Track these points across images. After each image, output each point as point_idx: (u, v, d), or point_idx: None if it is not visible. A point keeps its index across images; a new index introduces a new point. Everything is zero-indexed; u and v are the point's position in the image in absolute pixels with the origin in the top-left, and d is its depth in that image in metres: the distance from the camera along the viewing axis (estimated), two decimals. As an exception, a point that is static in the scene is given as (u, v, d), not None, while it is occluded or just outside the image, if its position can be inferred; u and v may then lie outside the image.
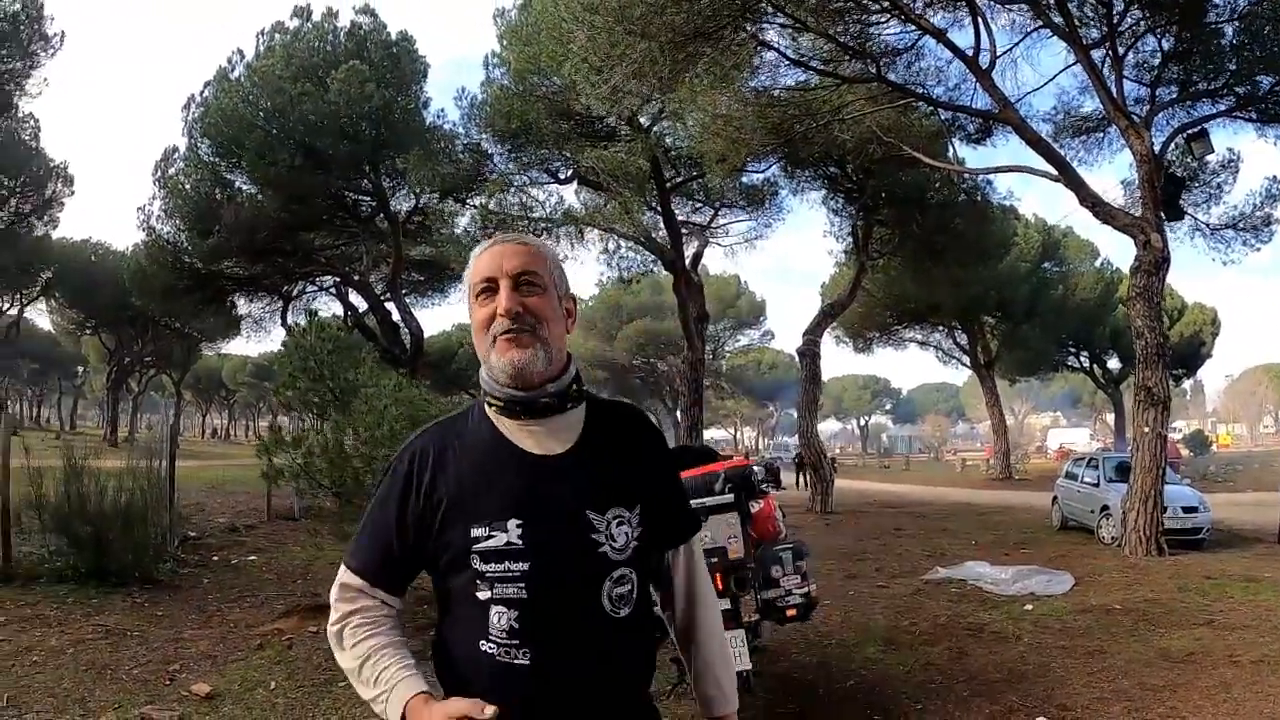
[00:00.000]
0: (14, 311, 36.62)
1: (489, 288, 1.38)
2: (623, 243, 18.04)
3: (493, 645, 1.34)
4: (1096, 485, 12.72)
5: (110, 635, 5.72)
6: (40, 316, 42.98)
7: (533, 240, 1.45)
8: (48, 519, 7.35)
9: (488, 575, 1.33)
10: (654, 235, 17.76)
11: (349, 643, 1.39)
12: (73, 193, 26.05)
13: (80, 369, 59.97)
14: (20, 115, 22.53)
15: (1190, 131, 12.08)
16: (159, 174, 19.05)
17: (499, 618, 1.33)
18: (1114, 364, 34.82)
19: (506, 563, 1.33)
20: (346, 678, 1.45)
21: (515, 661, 1.32)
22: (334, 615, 1.42)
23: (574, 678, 1.34)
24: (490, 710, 1.20)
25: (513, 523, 1.34)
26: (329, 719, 4.34)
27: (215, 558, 9.06)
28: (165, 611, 6.54)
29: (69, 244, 33.66)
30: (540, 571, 1.33)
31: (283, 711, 4.45)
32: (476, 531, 1.34)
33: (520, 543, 1.33)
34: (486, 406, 1.44)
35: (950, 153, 15.94)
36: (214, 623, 6.33)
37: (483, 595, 1.34)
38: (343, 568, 1.44)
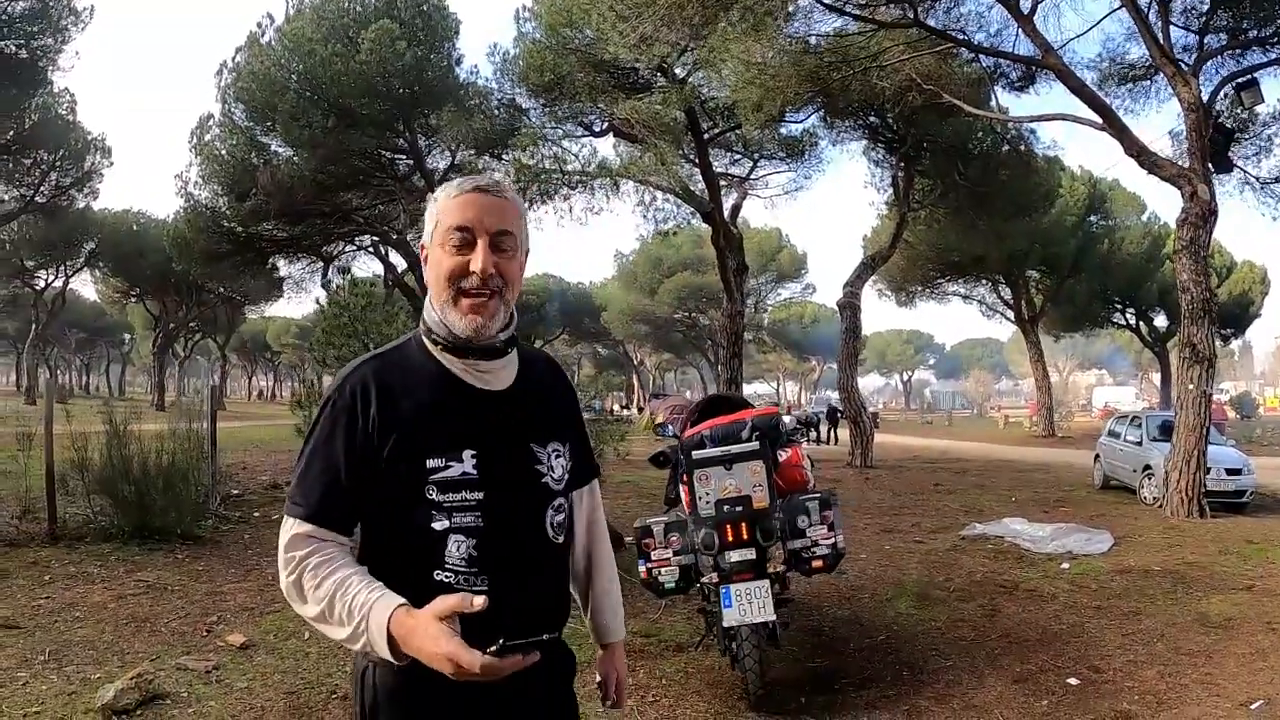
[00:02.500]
0: (59, 283, 37.62)
1: (466, 240, 1.38)
2: (658, 195, 17.83)
3: (449, 574, 1.35)
4: (1139, 444, 12.42)
5: (151, 590, 5.86)
6: (85, 287, 44.28)
7: (510, 193, 1.44)
8: (91, 481, 7.52)
9: (445, 505, 1.35)
10: (691, 187, 17.52)
11: (309, 586, 1.31)
12: (111, 164, 26.44)
13: (127, 336, 61.64)
14: (55, 90, 22.83)
15: (1239, 80, 11.62)
16: (195, 141, 19.20)
17: (457, 546, 1.35)
18: (1161, 321, 33.84)
19: (464, 492, 1.36)
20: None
21: (474, 588, 1.32)
22: (286, 570, 1.34)
23: (526, 600, 1.39)
24: (480, 600, 1.18)
25: (467, 454, 1.37)
26: (359, 668, 4.41)
27: (256, 514, 9.22)
28: (205, 566, 6.69)
29: (111, 214, 34.38)
30: (494, 500, 1.38)
31: (314, 660, 4.54)
32: (433, 463, 1.35)
33: (475, 473, 1.37)
34: (430, 343, 1.46)
35: (992, 101, 15.46)
36: (252, 576, 6.45)
37: (439, 525, 1.35)
38: (288, 520, 1.37)
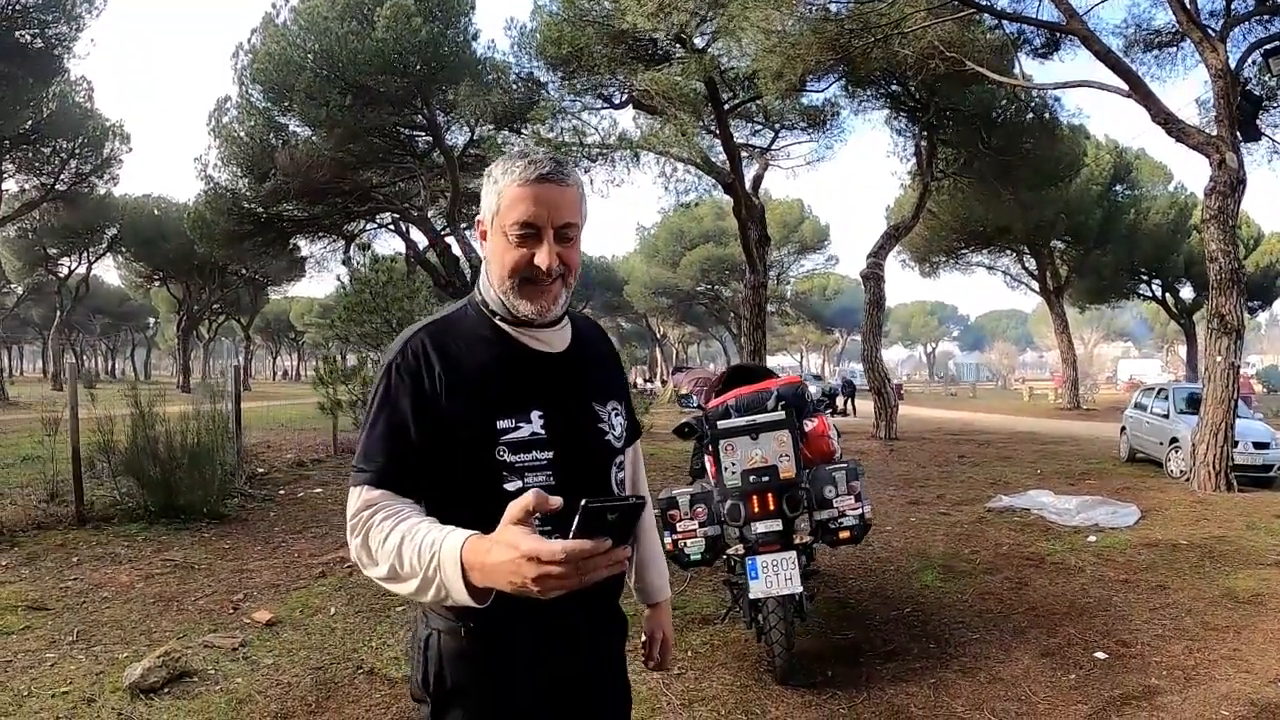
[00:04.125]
0: (83, 269, 37.96)
1: (530, 234, 1.36)
2: (679, 166, 17.68)
3: None
4: (1166, 417, 12.25)
5: (178, 569, 5.92)
6: (108, 272, 44.65)
7: (572, 177, 1.40)
8: (117, 463, 7.61)
9: (516, 466, 1.36)
10: (712, 158, 17.35)
11: (375, 543, 1.25)
12: (130, 150, 26.56)
13: (151, 320, 62.33)
14: (72, 79, 22.97)
15: (1268, 47, 11.31)
16: (213, 123, 19.34)
17: None
18: (1187, 293, 33.30)
19: (534, 452, 1.37)
20: (406, 602, 1.34)
21: None
22: (354, 534, 1.29)
23: None
24: (558, 500, 1.10)
25: (535, 414, 1.38)
26: (385, 642, 4.43)
27: (282, 492, 9.30)
28: (231, 545, 6.74)
29: (131, 200, 34.73)
30: (563, 459, 1.39)
31: (340, 635, 4.56)
32: (503, 424, 1.36)
33: (544, 433, 1.38)
34: (489, 315, 1.45)
35: (1016, 69, 15.14)
36: (278, 554, 6.50)
37: (511, 486, 1.35)
38: (355, 490, 1.32)
